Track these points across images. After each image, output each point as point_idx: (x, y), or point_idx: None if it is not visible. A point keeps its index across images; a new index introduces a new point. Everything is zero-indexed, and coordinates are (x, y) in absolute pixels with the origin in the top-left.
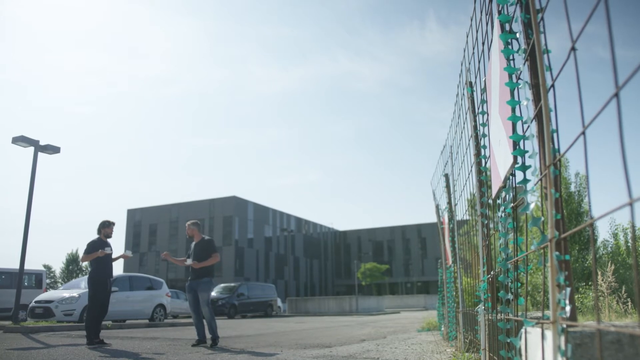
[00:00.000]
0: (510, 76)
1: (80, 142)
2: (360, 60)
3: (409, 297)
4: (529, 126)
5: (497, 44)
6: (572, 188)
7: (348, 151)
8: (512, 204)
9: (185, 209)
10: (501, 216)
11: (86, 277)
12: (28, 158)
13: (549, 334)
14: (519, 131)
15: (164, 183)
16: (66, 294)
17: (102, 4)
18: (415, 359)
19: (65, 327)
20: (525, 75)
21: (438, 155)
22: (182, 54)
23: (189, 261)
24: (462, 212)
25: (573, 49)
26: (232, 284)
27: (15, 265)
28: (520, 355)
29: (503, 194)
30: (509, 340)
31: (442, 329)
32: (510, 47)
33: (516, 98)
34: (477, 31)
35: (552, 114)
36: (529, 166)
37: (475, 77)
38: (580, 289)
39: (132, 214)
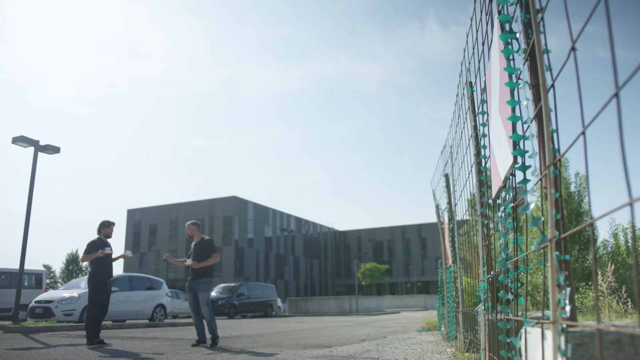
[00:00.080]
0: (510, 76)
1: (80, 142)
2: (360, 60)
3: (409, 297)
4: (529, 126)
5: (497, 44)
6: (572, 188)
7: (348, 151)
8: (512, 204)
9: (185, 209)
10: (501, 216)
11: (86, 277)
12: (28, 158)
13: (549, 334)
14: (519, 131)
15: (164, 183)
16: (66, 294)
17: (102, 4)
18: (415, 359)
19: (65, 327)
20: (525, 75)
21: (438, 155)
22: (182, 54)
23: (189, 261)
24: (462, 212)
25: (573, 49)
26: (232, 284)
27: (15, 265)
28: (520, 355)
29: (503, 194)
30: (509, 340)
31: (442, 329)
32: (510, 47)
33: (516, 98)
34: (477, 31)
35: (552, 114)
36: (529, 166)
37: (475, 77)
38: (580, 289)
39: (132, 214)
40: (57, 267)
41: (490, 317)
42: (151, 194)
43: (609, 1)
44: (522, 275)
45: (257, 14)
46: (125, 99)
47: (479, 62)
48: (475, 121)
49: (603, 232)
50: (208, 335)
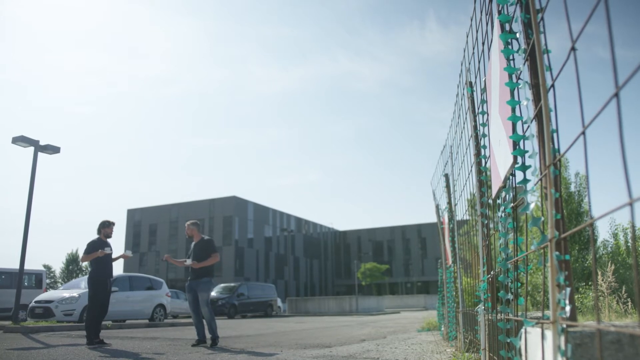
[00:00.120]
0: (510, 76)
1: (80, 142)
2: (360, 60)
3: (409, 297)
4: (529, 126)
5: (497, 44)
6: (572, 188)
7: (348, 151)
8: (512, 204)
9: (185, 209)
10: (501, 216)
11: (86, 277)
12: (28, 158)
13: (549, 334)
14: (519, 131)
15: (164, 183)
16: (66, 294)
17: (102, 4)
18: (415, 359)
19: (65, 327)
20: (525, 75)
21: (438, 155)
22: (182, 54)
23: (189, 261)
24: (462, 212)
25: (573, 49)
26: (232, 284)
27: (15, 265)
28: (520, 355)
29: (503, 194)
30: (509, 340)
31: (442, 329)
32: (510, 47)
33: (516, 98)
34: (477, 31)
35: (552, 114)
36: (529, 166)
37: (475, 77)
38: (580, 289)
39: (132, 214)
40: (57, 267)
41: (490, 317)
42: (151, 194)
43: (609, 1)
44: (522, 275)
45: (257, 14)
46: (125, 99)
47: (479, 62)
48: (475, 121)
49: (603, 232)
50: (208, 335)
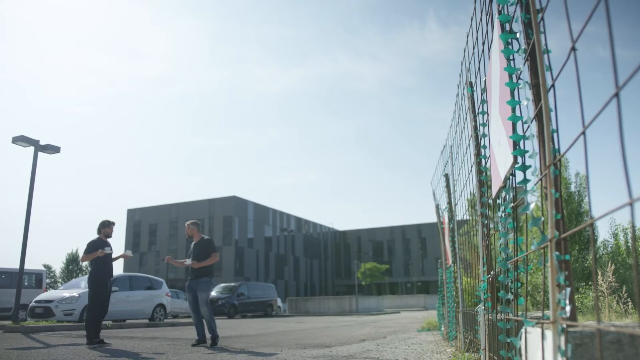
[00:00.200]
0: (510, 76)
1: (80, 142)
2: (360, 60)
3: (409, 297)
4: (529, 126)
5: (497, 44)
6: (572, 188)
7: (348, 151)
8: (512, 204)
9: (185, 209)
10: (501, 216)
11: (86, 276)
12: (28, 158)
13: (549, 334)
14: (519, 131)
15: (164, 183)
16: (66, 293)
17: (102, 4)
18: (415, 359)
19: (65, 326)
20: (526, 75)
21: (438, 155)
22: (182, 54)
23: (188, 261)
24: (462, 212)
25: (573, 49)
26: (232, 284)
27: (15, 265)
28: (520, 355)
29: (503, 193)
30: (509, 340)
31: (442, 329)
32: (510, 47)
33: (516, 98)
34: (477, 31)
35: (552, 114)
36: (529, 166)
37: (476, 77)
38: (580, 289)
39: (132, 214)
40: (57, 266)
41: (490, 317)
42: (151, 194)
43: (609, 1)
44: (522, 275)
45: (257, 14)
46: (125, 99)
47: (479, 62)
48: (475, 121)
49: (603, 232)
50: (208, 335)
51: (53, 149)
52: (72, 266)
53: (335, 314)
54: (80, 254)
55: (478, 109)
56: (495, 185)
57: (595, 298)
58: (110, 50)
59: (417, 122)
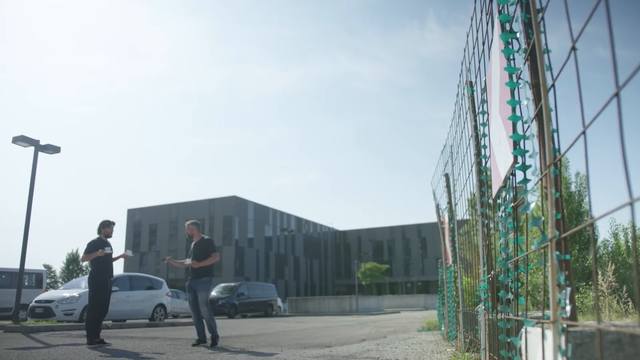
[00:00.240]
0: (510, 76)
1: (80, 142)
2: (360, 60)
3: (409, 296)
4: (529, 126)
5: (497, 44)
6: (573, 188)
7: (348, 151)
8: (512, 204)
9: (185, 208)
10: (501, 216)
11: (86, 276)
12: (28, 158)
13: (549, 333)
14: (519, 131)
15: (164, 183)
16: (66, 293)
17: (102, 4)
18: (415, 359)
19: (65, 326)
20: (526, 75)
21: (438, 155)
22: (182, 54)
23: (188, 261)
24: (462, 212)
25: (573, 48)
26: (232, 284)
27: (16, 265)
28: (521, 355)
29: (503, 193)
30: (509, 340)
31: (442, 328)
32: (510, 46)
33: (516, 98)
34: (477, 31)
35: (553, 114)
36: (529, 166)
37: (476, 77)
38: (581, 288)
39: (132, 214)
40: (58, 266)
41: (490, 317)
42: (151, 194)
43: (609, 1)
44: (522, 275)
45: (257, 14)
46: (125, 99)
47: (479, 61)
48: (475, 121)
49: (603, 232)
50: (208, 335)
51: (53, 149)
52: (72, 266)
53: (336, 314)
54: (81, 254)
55: (478, 108)
56: (496, 185)
57: (596, 298)
58: (110, 50)
59: (417, 122)
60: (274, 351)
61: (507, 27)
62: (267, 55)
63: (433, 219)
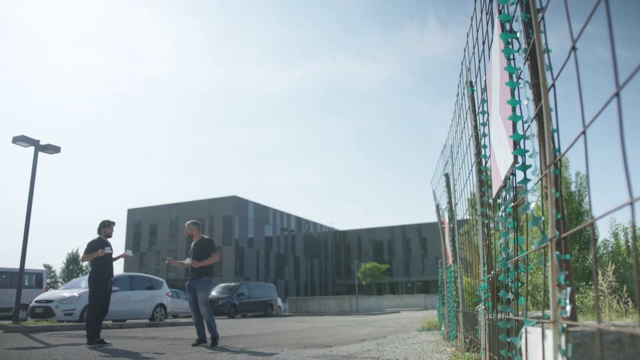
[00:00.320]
0: (510, 75)
1: (80, 142)
2: (360, 60)
3: (409, 296)
4: (529, 126)
5: (497, 44)
6: (573, 188)
7: (348, 151)
8: (512, 204)
9: (185, 208)
10: (501, 216)
11: (86, 276)
12: (28, 158)
13: (549, 333)
14: (520, 131)
15: (164, 183)
16: (66, 293)
17: (102, 4)
18: (415, 359)
19: (65, 326)
20: (526, 75)
21: (438, 155)
22: (182, 54)
23: (188, 260)
24: (462, 212)
25: (573, 48)
26: (233, 284)
27: (16, 265)
28: (521, 354)
29: (503, 193)
30: (509, 340)
31: (443, 328)
32: (510, 46)
33: (516, 97)
34: (477, 31)
35: (553, 114)
36: (530, 166)
37: (476, 77)
38: (581, 288)
39: (132, 213)
40: (58, 266)
41: (490, 317)
42: (151, 194)
43: (609, 1)
44: (522, 274)
45: (257, 14)
46: (125, 99)
47: (480, 61)
48: (475, 121)
49: (603, 232)
50: (208, 335)
51: (53, 149)
52: (72, 266)
53: (336, 314)
54: (81, 254)
55: (478, 108)
56: (496, 184)
57: (596, 298)
58: (110, 50)
59: (417, 122)
60: (274, 351)
61: (507, 26)
62: (267, 55)
63: (433, 218)
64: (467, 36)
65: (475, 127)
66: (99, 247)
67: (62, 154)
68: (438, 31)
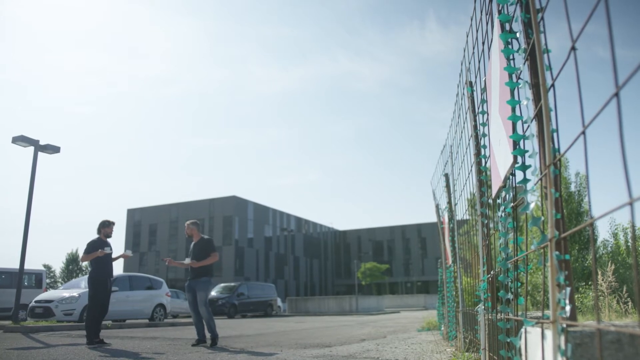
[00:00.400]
0: (510, 76)
1: (80, 142)
2: (360, 60)
3: (409, 296)
4: (529, 126)
5: (497, 44)
6: (572, 188)
7: (348, 151)
8: (512, 204)
9: (185, 208)
10: (501, 216)
11: (86, 276)
12: (28, 158)
13: (549, 333)
14: (519, 131)
15: (164, 183)
16: (66, 293)
17: (102, 4)
18: (415, 359)
19: (65, 326)
20: (526, 75)
21: (438, 155)
22: (182, 54)
23: (187, 260)
24: (462, 212)
25: (573, 48)
26: (232, 284)
27: (15, 265)
28: (520, 354)
29: (503, 193)
30: (509, 340)
31: (442, 328)
32: (510, 46)
33: (516, 98)
34: (477, 31)
35: (552, 114)
36: (529, 166)
37: (476, 77)
38: (580, 288)
39: (132, 213)
40: (57, 266)
41: (490, 317)
42: (151, 194)
43: (609, 1)
44: (522, 275)
45: (257, 14)
46: (125, 99)
47: (479, 61)
48: (475, 121)
49: (603, 232)
50: (208, 335)
51: (53, 149)
52: (72, 266)
53: (335, 314)
54: (80, 254)
55: (478, 108)
56: (495, 184)
57: (595, 298)
58: (110, 50)
59: (417, 122)
60: (273, 351)
61: (507, 27)
62: (267, 55)
63: (433, 219)
64: (467, 36)
65: (475, 127)
66: (98, 247)
67: (62, 154)
68: (438, 31)
